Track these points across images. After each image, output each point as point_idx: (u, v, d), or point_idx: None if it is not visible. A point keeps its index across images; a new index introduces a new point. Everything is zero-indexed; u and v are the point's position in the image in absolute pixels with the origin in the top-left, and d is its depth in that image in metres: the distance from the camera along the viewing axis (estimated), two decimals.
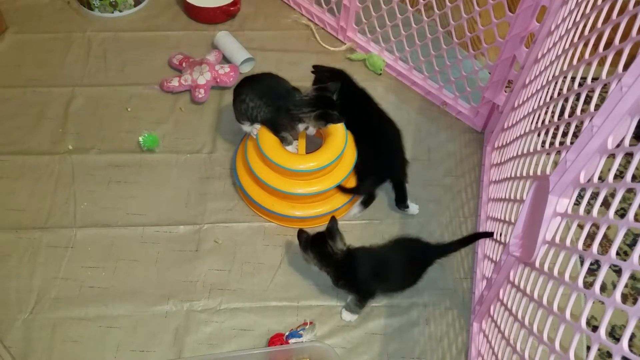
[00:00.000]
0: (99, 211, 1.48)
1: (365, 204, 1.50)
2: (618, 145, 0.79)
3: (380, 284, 1.30)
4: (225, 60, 1.82)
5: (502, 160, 1.45)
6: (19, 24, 1.90)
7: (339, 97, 1.38)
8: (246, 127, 1.47)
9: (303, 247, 1.29)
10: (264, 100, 1.40)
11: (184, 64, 1.75)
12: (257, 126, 1.44)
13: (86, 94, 1.72)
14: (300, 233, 1.30)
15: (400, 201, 1.49)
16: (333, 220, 1.30)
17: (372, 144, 1.46)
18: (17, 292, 1.34)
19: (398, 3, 1.66)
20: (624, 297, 1.40)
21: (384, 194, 1.55)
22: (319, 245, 1.27)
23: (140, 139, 1.59)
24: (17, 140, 1.61)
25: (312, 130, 1.41)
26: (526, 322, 0.99)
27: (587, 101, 0.96)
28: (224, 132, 1.64)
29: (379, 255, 1.31)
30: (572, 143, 0.90)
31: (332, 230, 1.27)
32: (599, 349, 0.71)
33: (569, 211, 0.91)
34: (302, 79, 1.54)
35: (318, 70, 1.55)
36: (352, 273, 1.27)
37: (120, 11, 1.93)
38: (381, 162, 1.46)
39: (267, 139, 1.41)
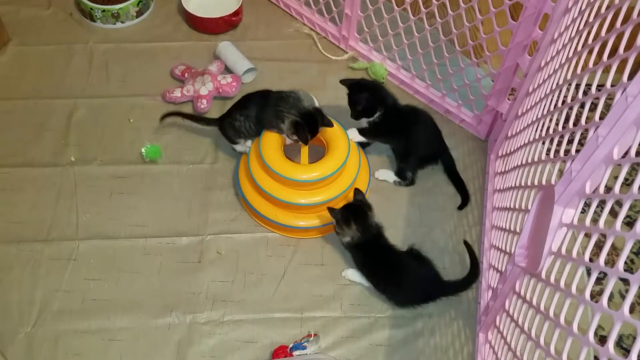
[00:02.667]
0: (102, 223, 1.47)
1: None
2: (624, 156, 0.78)
3: (387, 281, 1.34)
4: (228, 70, 1.81)
5: (507, 169, 1.44)
6: (21, 35, 1.90)
7: (383, 112, 1.49)
8: (239, 147, 1.53)
9: (344, 221, 1.31)
10: (250, 108, 1.46)
11: (186, 75, 1.75)
12: (249, 144, 1.48)
13: (88, 105, 1.72)
14: (331, 210, 1.33)
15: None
16: (360, 192, 1.38)
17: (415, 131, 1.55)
18: (19, 305, 1.33)
19: (400, 11, 1.66)
20: (631, 308, 1.38)
21: (386, 201, 1.54)
22: (362, 217, 1.33)
23: (143, 150, 1.58)
24: (19, 152, 1.61)
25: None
26: (533, 333, 0.98)
27: (592, 108, 0.95)
28: (226, 142, 1.62)
29: (400, 257, 1.35)
30: (577, 151, 0.89)
31: (365, 202, 1.36)
32: None
33: (575, 222, 0.90)
34: (303, 88, 1.53)
35: (346, 83, 1.54)
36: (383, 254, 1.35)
37: (122, 22, 1.94)
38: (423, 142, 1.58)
39: (269, 149, 1.41)
